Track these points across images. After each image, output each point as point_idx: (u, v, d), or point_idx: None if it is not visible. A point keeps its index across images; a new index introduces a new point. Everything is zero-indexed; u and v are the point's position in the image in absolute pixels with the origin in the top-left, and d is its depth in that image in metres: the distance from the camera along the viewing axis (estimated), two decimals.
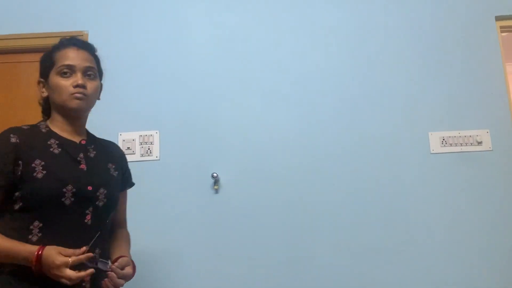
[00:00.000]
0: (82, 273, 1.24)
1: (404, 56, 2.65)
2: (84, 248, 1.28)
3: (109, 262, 1.40)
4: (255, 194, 2.50)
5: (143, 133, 2.55)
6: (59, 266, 1.22)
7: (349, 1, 2.73)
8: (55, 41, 2.67)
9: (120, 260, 1.42)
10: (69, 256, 1.24)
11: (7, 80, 2.78)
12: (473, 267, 2.38)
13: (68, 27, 2.71)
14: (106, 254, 1.45)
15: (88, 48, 1.53)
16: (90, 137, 1.59)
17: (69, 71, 1.45)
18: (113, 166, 1.57)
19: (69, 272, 1.22)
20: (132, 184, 1.76)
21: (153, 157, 2.51)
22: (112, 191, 1.50)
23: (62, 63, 1.45)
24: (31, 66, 2.75)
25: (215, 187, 2.49)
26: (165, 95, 2.63)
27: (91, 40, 2.60)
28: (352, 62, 2.65)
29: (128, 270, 1.42)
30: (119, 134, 2.44)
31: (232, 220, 2.47)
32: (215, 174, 2.48)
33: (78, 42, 1.53)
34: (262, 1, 2.74)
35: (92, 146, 1.53)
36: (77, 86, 1.43)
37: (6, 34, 2.76)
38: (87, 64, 1.48)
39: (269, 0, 2.74)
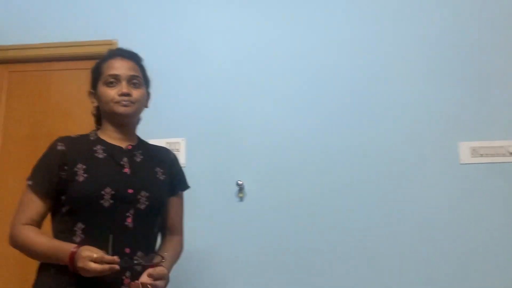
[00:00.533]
0: (106, 266, 1.25)
1: (432, 62, 2.60)
2: (114, 258, 1.28)
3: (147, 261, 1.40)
4: (279, 202, 2.49)
5: (170, 140, 2.57)
6: (84, 258, 1.25)
7: (369, 5, 2.70)
8: (85, 49, 2.79)
9: (158, 269, 1.39)
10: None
11: (39, 88, 2.86)
12: (506, 280, 2.30)
13: (97, 36, 2.78)
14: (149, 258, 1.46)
15: (133, 58, 1.59)
16: (140, 143, 1.63)
17: (114, 80, 1.51)
18: (161, 170, 1.58)
19: (92, 265, 1.24)
20: (185, 188, 1.75)
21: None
22: (156, 195, 1.51)
23: (108, 73, 1.52)
24: (62, 74, 2.86)
25: (240, 195, 2.49)
26: (192, 103, 2.66)
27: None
28: (377, 68, 2.62)
29: (160, 283, 1.38)
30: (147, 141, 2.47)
31: (257, 228, 2.47)
32: (240, 182, 2.48)
33: (123, 52, 1.60)
34: (282, 9, 2.74)
35: (140, 151, 1.57)
36: (122, 94, 1.49)
37: (38, 43, 2.84)
38: (132, 73, 1.53)
39: (289, 8, 2.74)
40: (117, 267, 1.27)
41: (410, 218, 2.41)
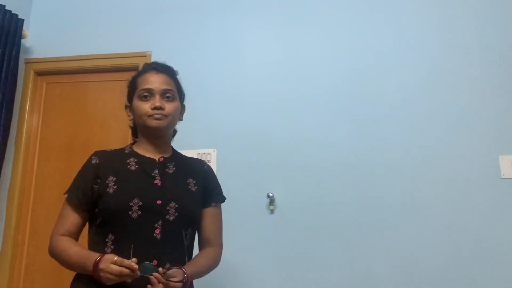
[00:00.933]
0: (125, 269, 1.26)
1: (474, 76, 2.52)
2: (132, 264, 1.28)
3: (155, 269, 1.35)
4: (310, 215, 2.45)
5: (201, 151, 2.58)
6: (106, 260, 1.29)
7: (411, 15, 2.65)
8: (120, 61, 2.84)
9: (171, 271, 1.37)
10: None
11: (75, 99, 2.93)
12: None
13: (132, 48, 2.84)
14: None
15: (167, 72, 1.60)
16: (174, 155, 1.63)
17: (148, 94, 1.53)
18: (194, 182, 1.57)
19: (113, 266, 1.26)
20: (220, 200, 1.68)
21: None
22: (186, 206, 1.50)
23: (142, 87, 1.54)
24: (97, 86, 2.92)
25: (271, 207, 2.47)
26: (223, 114, 2.66)
27: (154, 60, 2.72)
28: (416, 81, 2.55)
29: (174, 284, 1.34)
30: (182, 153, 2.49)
31: (288, 241, 2.43)
32: (270, 194, 2.45)
33: (158, 66, 1.60)
34: (315, 25, 2.73)
35: (173, 163, 1.57)
36: (155, 108, 1.50)
37: (73, 55, 2.92)
38: (165, 87, 1.54)
39: (323, 19, 2.73)
40: (137, 273, 1.28)
41: (449, 233, 2.32)
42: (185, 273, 1.38)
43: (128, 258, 1.31)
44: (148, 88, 1.52)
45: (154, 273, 1.31)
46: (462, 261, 2.28)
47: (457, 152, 2.42)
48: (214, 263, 1.60)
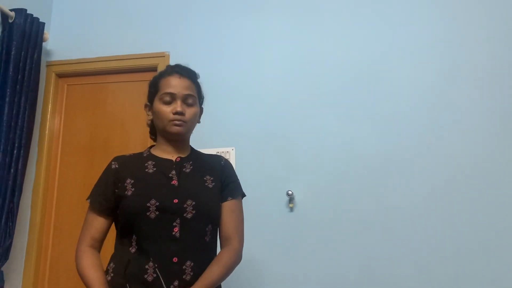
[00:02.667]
0: None
1: (494, 71, 2.46)
2: None
3: None
4: (330, 213, 2.44)
5: (220, 149, 2.59)
6: None
7: (425, 13, 2.61)
8: (139, 62, 2.87)
9: None
10: None
11: (95, 100, 2.98)
12: None
13: (151, 48, 2.87)
14: (200, 266, 1.45)
15: (190, 76, 1.62)
16: (192, 154, 1.65)
17: (170, 99, 1.55)
18: (211, 178, 1.58)
19: None
20: (237, 195, 1.64)
21: None
22: (203, 202, 1.51)
23: (165, 91, 1.56)
24: (117, 87, 2.95)
25: (290, 205, 2.46)
26: (242, 113, 2.67)
27: (172, 60, 2.75)
28: (437, 79, 2.51)
29: None
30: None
31: (307, 239, 2.43)
32: (290, 192, 2.45)
33: (181, 70, 1.62)
34: (335, 23, 2.71)
35: (190, 162, 1.59)
36: (176, 113, 1.52)
37: (93, 57, 2.96)
38: (187, 92, 1.57)
39: (340, 18, 2.71)
40: None
41: (472, 236, 2.28)
42: None
43: (149, 261, 1.39)
44: (171, 93, 1.54)
45: None
46: (486, 264, 2.24)
47: (478, 152, 2.37)
48: (230, 267, 1.54)
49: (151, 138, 1.70)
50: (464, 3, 2.58)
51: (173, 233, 1.44)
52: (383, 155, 2.46)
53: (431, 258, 2.29)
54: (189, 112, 1.56)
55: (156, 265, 1.39)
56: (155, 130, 1.65)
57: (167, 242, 1.43)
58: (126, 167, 1.55)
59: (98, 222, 1.52)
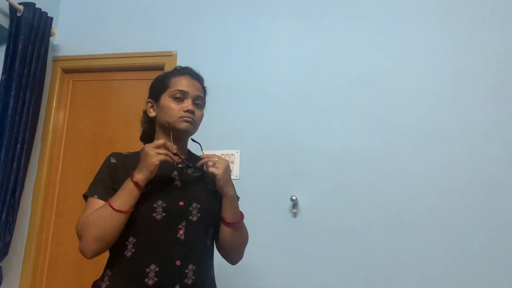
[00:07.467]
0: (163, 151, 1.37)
1: (506, 80, 2.43)
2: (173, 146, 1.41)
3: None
4: (334, 219, 2.41)
5: (224, 152, 2.57)
6: (149, 145, 1.39)
7: (437, 21, 2.58)
8: (145, 60, 2.85)
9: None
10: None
11: (100, 97, 2.96)
12: None
13: (158, 47, 2.85)
14: (201, 270, 1.43)
15: (199, 79, 1.63)
16: (190, 157, 1.64)
17: (181, 96, 1.54)
18: (211, 181, 1.56)
19: (155, 143, 1.39)
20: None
21: (233, 176, 2.50)
22: (208, 206, 1.50)
23: (177, 88, 1.54)
24: (123, 84, 2.93)
25: (294, 210, 2.43)
26: (248, 115, 2.65)
27: (179, 60, 2.73)
28: (451, 88, 2.48)
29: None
30: (202, 152, 2.47)
31: (310, 245, 2.40)
32: (294, 197, 2.42)
33: (192, 72, 1.62)
34: (341, 28, 2.68)
35: (190, 164, 1.56)
36: (187, 111, 1.51)
37: (100, 53, 2.95)
38: (198, 93, 1.57)
39: (350, 22, 2.68)
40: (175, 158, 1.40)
41: (484, 247, 2.24)
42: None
43: (150, 264, 1.35)
44: (183, 90, 1.53)
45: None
46: (493, 275, 2.20)
47: (484, 160, 2.34)
48: (247, 235, 1.62)
49: (141, 140, 1.67)
50: (472, 11, 2.55)
51: (178, 235, 1.41)
52: (389, 162, 2.43)
53: (436, 267, 2.26)
54: (198, 113, 1.55)
55: (157, 268, 1.35)
56: (152, 132, 1.62)
57: (171, 245, 1.39)
58: (124, 165, 1.50)
59: (98, 203, 1.39)
